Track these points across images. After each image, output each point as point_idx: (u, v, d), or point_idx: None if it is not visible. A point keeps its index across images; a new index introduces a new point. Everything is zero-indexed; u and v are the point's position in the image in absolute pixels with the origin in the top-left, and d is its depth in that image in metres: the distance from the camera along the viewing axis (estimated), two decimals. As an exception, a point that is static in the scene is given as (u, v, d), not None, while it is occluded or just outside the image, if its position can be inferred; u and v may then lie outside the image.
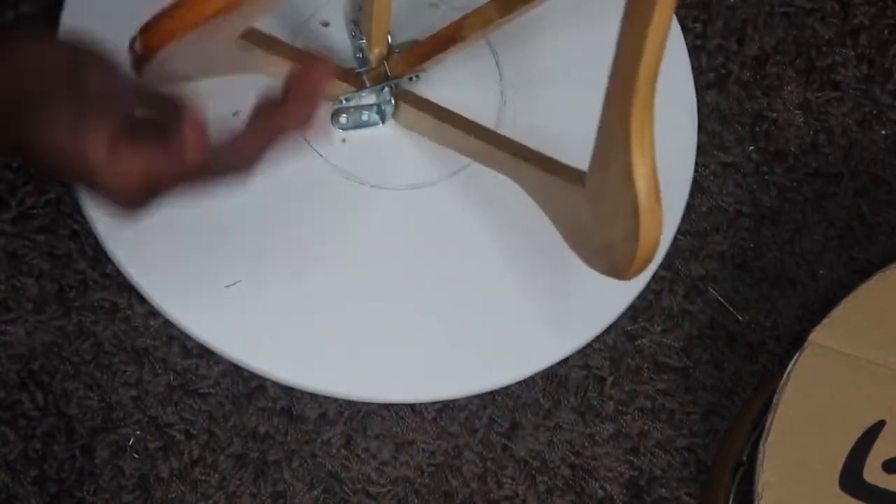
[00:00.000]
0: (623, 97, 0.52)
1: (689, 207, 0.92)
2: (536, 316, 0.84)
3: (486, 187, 0.85)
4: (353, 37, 0.85)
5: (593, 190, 0.60)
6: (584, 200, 0.61)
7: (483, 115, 0.84)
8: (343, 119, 0.84)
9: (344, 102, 0.84)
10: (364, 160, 0.84)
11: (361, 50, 0.85)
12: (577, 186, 0.62)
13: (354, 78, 0.84)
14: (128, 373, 0.85)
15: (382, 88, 0.83)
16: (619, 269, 0.58)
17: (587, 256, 0.64)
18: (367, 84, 0.84)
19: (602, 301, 0.86)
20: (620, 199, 0.54)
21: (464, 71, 0.88)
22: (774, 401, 0.74)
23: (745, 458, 0.84)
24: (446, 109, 0.82)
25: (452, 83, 0.87)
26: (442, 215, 0.85)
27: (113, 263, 0.84)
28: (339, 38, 0.87)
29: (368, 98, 0.85)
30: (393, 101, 0.85)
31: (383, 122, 0.85)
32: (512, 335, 0.83)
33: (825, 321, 0.77)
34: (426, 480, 0.87)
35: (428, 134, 0.84)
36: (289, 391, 0.86)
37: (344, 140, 0.85)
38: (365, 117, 0.85)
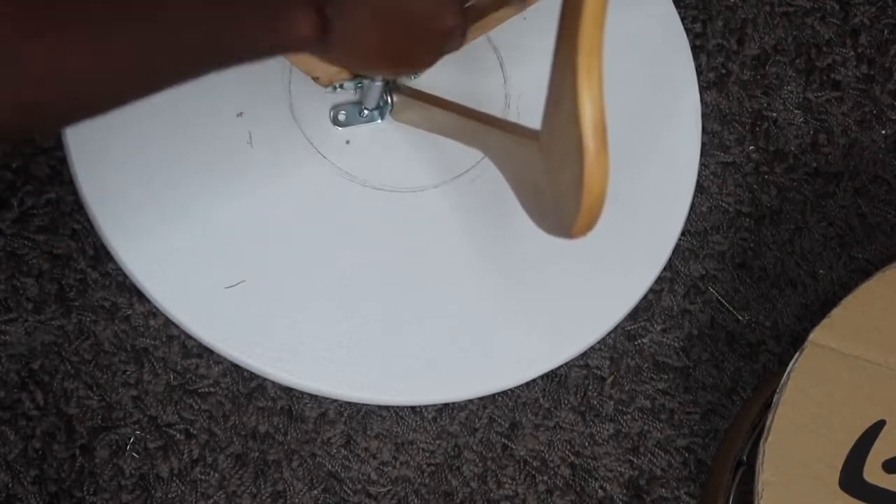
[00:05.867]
0: (570, 31, 0.52)
1: (690, 207, 0.92)
2: (537, 319, 0.84)
3: (489, 191, 0.85)
4: None
5: (545, 140, 0.59)
6: (538, 154, 0.61)
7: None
8: (342, 116, 0.84)
9: (339, 90, 0.84)
10: (367, 163, 0.84)
11: None
12: (533, 142, 0.62)
13: None
14: (128, 373, 0.85)
15: (379, 82, 0.83)
16: (566, 225, 0.56)
17: (540, 218, 0.64)
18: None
19: (604, 305, 0.86)
20: (568, 144, 0.53)
21: (467, 71, 0.88)
22: (774, 401, 0.74)
23: (745, 458, 0.84)
24: (433, 95, 0.82)
25: (455, 83, 0.87)
26: (444, 218, 0.85)
27: (113, 263, 0.84)
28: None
29: (370, 96, 0.84)
30: (390, 98, 0.85)
31: (381, 118, 0.85)
32: (513, 338, 0.83)
33: (825, 321, 0.77)
34: (426, 480, 0.87)
35: (418, 122, 0.84)
36: (289, 391, 0.86)
37: (348, 142, 0.85)
38: (364, 114, 0.85)
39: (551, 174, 0.58)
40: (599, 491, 0.89)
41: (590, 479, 0.88)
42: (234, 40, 0.54)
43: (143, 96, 0.52)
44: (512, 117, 0.87)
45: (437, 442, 0.88)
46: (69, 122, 0.52)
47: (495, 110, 0.87)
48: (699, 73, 0.97)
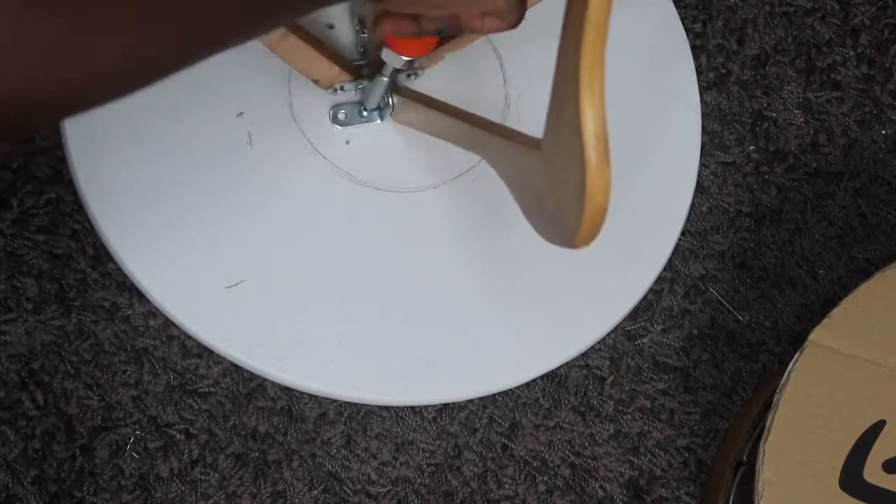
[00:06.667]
0: (573, 43, 0.52)
1: (690, 207, 0.92)
2: (538, 319, 0.84)
3: (489, 191, 0.85)
4: (357, 31, 0.85)
5: (547, 149, 0.60)
6: (540, 163, 0.61)
7: (487, 116, 0.84)
8: (342, 116, 0.84)
9: (339, 91, 0.84)
10: (367, 163, 0.84)
11: (364, 46, 0.85)
12: (534, 150, 0.62)
13: (352, 69, 0.83)
14: (128, 373, 0.85)
15: (379, 82, 0.83)
16: (569, 234, 0.57)
17: (542, 226, 0.64)
18: (364, 74, 0.84)
19: (604, 305, 0.86)
20: (570, 154, 0.54)
21: (467, 72, 0.88)
22: (774, 401, 0.74)
23: (745, 458, 0.84)
24: (433, 98, 0.82)
25: (455, 84, 0.87)
26: (444, 218, 0.85)
27: (113, 263, 0.84)
28: (343, 40, 0.87)
29: (373, 94, 0.84)
30: (391, 100, 0.85)
31: (381, 118, 0.85)
32: (513, 338, 0.83)
33: (825, 321, 0.77)
34: (426, 480, 0.87)
35: (418, 125, 0.84)
36: (289, 391, 0.86)
37: (348, 142, 0.85)
38: (364, 114, 0.85)
39: (554, 183, 0.59)
40: (599, 491, 0.89)
41: (590, 479, 0.88)
42: None
43: (187, 64, 0.47)
44: (512, 118, 0.87)
45: (437, 442, 0.88)
46: (97, 103, 0.47)
47: (495, 111, 0.87)
48: (699, 73, 0.97)
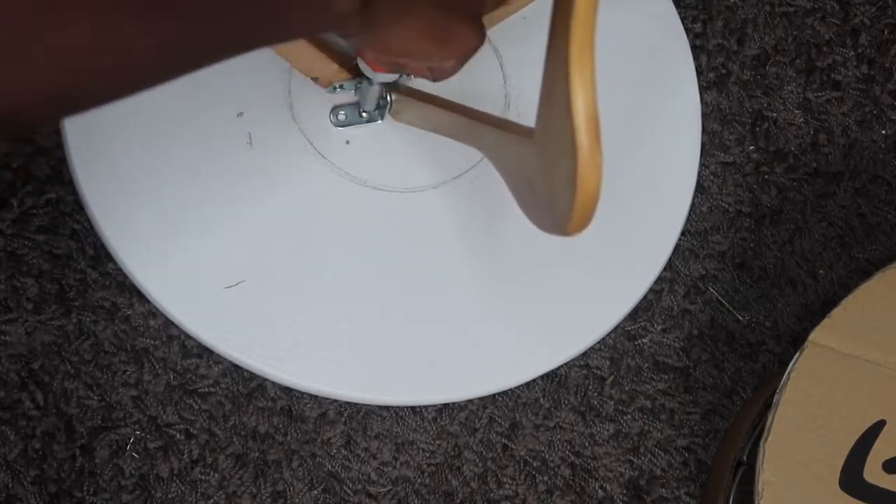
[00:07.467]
0: (562, 27, 0.52)
1: (690, 207, 0.92)
2: (538, 319, 0.84)
3: (489, 191, 0.85)
4: None
5: (539, 137, 0.59)
6: (533, 151, 0.61)
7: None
8: (342, 115, 0.84)
9: (338, 90, 0.84)
10: (367, 163, 0.84)
11: None
12: (528, 140, 0.62)
13: (351, 67, 0.84)
14: (128, 373, 0.85)
15: (371, 88, 0.83)
16: (561, 222, 0.56)
17: (536, 216, 0.64)
18: (363, 73, 0.84)
19: (604, 305, 0.86)
20: (561, 140, 0.53)
21: (467, 71, 0.88)
22: (774, 401, 0.74)
23: (745, 458, 0.84)
24: (430, 94, 0.82)
25: (455, 82, 0.86)
26: (444, 218, 0.85)
27: (113, 263, 0.84)
28: (342, 38, 0.87)
29: (369, 98, 0.84)
30: (389, 97, 0.85)
31: (381, 118, 0.85)
32: (513, 338, 0.83)
33: (825, 321, 0.77)
34: (426, 480, 0.87)
35: (416, 121, 0.84)
36: (289, 391, 0.86)
37: (348, 142, 0.85)
38: (364, 114, 0.85)
39: (546, 171, 0.59)
40: (599, 491, 0.89)
41: (590, 479, 0.89)
42: (269, 17, 0.50)
43: (178, 75, 0.49)
44: (512, 117, 0.87)
45: (437, 442, 0.88)
46: (95, 105, 0.49)
47: (495, 110, 0.87)
48: (699, 73, 0.97)
